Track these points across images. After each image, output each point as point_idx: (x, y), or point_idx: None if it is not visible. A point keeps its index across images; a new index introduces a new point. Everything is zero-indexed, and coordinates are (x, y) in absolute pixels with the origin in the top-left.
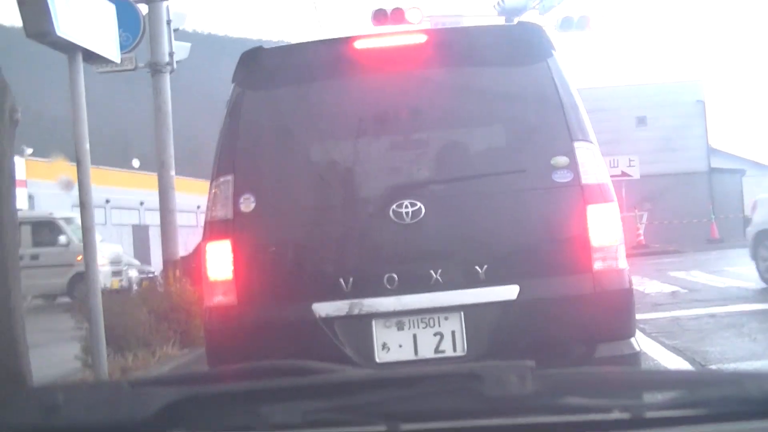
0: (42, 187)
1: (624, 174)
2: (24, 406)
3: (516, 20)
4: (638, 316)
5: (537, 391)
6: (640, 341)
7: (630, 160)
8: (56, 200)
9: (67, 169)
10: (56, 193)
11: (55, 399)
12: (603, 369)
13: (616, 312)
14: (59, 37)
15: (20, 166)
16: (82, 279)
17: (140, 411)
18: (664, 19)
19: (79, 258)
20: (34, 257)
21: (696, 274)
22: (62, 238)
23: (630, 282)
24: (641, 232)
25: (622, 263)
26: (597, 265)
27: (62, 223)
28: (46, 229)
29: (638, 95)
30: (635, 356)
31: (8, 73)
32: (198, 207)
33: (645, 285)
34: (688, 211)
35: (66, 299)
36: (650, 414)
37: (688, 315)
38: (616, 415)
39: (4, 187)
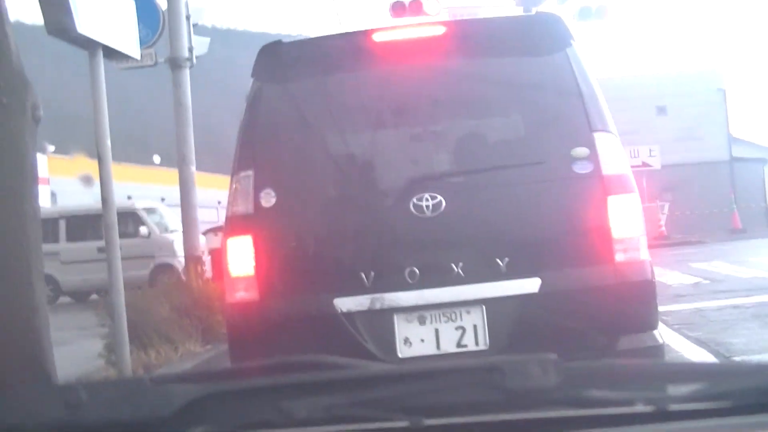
0: (64, 184)
1: (645, 164)
2: (47, 403)
3: (534, 10)
4: (660, 308)
5: (559, 384)
6: (663, 333)
7: (651, 150)
8: (79, 197)
9: (87, 166)
10: (79, 190)
11: (77, 396)
12: (626, 361)
13: (639, 303)
14: (80, 34)
15: (43, 163)
16: (163, 270)
17: (163, 408)
18: (684, 7)
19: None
20: None
21: (718, 265)
22: (143, 229)
23: (652, 273)
24: (662, 222)
25: (644, 254)
26: (619, 257)
27: (143, 214)
28: (127, 220)
29: (658, 84)
30: (658, 348)
31: (30, 71)
32: (219, 202)
33: (667, 276)
34: (710, 201)
35: (94, 296)
36: (674, 406)
37: (711, 306)
38: (639, 407)
39: (27, 184)
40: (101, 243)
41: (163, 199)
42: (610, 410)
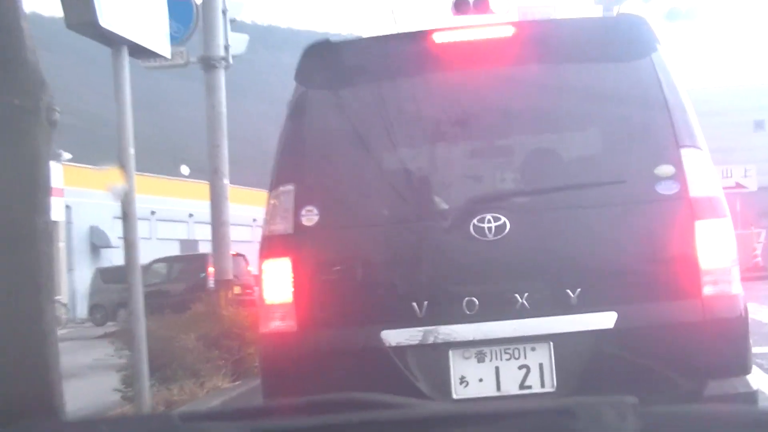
0: (81, 196)
1: (739, 185)
2: None
3: (616, 10)
4: (754, 349)
5: (639, 431)
6: (757, 378)
7: (746, 170)
8: (96, 211)
9: (115, 177)
10: (96, 203)
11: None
12: (714, 407)
13: (729, 344)
14: (103, 29)
15: (57, 172)
16: None
17: None
18: None
19: None
20: None
21: None
22: None
23: (745, 309)
24: (758, 252)
25: (736, 288)
26: (707, 290)
27: None
28: None
29: (756, 96)
30: (752, 395)
31: (47, 69)
32: (254, 220)
33: (762, 313)
34: None
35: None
36: None
37: None
38: None
39: (39, 195)
40: None
41: (191, 215)
42: None
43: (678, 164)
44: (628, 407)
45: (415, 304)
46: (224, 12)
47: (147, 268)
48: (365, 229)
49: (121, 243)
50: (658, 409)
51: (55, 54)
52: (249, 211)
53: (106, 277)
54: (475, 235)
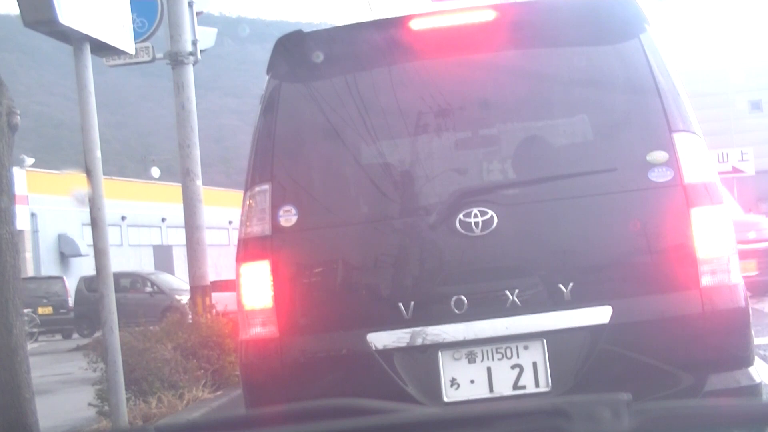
0: (46, 203)
1: (735, 170)
2: None
3: None
4: (757, 340)
5: (634, 429)
6: (760, 370)
7: (742, 154)
8: (64, 218)
9: (80, 182)
10: (63, 210)
11: None
12: (713, 401)
13: (730, 335)
14: (63, 26)
15: (20, 178)
16: None
17: None
18: None
19: None
20: None
21: None
22: None
23: (746, 299)
24: None
25: (735, 277)
26: (705, 280)
27: None
28: None
29: (752, 75)
30: (755, 388)
31: (4, 70)
32: (230, 222)
33: (764, 303)
34: None
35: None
36: None
37: None
38: None
39: (3, 204)
40: None
41: (164, 219)
42: None
43: (671, 150)
44: (622, 405)
45: (401, 304)
46: (191, 4)
47: None
48: (346, 228)
49: (91, 251)
50: (654, 405)
51: (8, 54)
52: (225, 213)
53: (91, 286)
54: (462, 231)
